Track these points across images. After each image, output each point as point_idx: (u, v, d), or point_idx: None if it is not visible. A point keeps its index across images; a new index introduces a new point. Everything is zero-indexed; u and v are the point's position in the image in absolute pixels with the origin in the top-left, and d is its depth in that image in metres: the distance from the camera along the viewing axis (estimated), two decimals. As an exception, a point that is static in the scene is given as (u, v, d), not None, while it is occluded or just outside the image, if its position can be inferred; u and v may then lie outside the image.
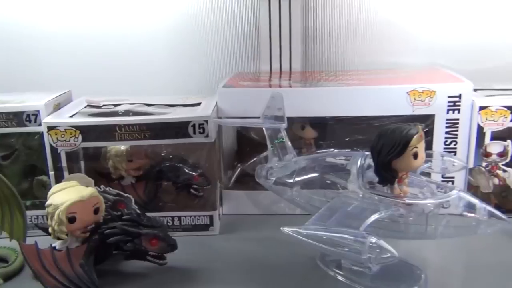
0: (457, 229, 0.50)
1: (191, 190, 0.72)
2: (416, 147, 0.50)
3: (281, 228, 0.48)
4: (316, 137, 0.78)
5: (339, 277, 0.56)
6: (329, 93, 0.71)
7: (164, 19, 0.94)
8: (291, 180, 0.61)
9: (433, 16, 0.90)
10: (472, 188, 0.71)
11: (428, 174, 0.64)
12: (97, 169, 0.72)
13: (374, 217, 0.47)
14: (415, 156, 0.50)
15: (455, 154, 0.70)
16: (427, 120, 0.70)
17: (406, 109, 0.69)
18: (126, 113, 0.71)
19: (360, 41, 0.92)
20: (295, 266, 0.60)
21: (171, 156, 0.73)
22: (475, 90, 0.75)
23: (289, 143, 0.63)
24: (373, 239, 0.43)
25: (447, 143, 0.70)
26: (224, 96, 0.71)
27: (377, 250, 0.43)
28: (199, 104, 0.73)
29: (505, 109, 0.68)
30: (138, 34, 0.95)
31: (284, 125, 0.61)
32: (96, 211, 0.57)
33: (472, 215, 0.49)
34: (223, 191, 0.76)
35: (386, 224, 0.52)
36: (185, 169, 0.71)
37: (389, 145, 0.50)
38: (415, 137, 0.50)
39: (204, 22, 0.94)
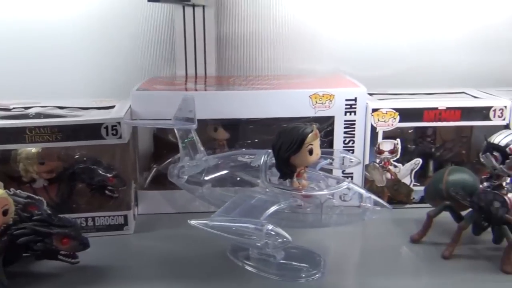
0: (348, 216, 0.57)
1: (106, 191, 0.73)
2: (312, 144, 0.56)
3: (188, 221, 0.52)
4: (229, 138, 0.83)
5: (247, 267, 0.61)
6: (240, 96, 0.75)
7: (78, 23, 0.94)
8: (202, 178, 0.64)
9: (338, 27, 0.98)
10: (368, 183, 0.79)
11: (330, 171, 0.71)
12: (6, 172, 0.71)
13: (273, 208, 0.52)
14: (311, 152, 0.56)
15: (353, 152, 0.77)
16: (328, 121, 0.77)
17: (309, 111, 0.75)
18: (37, 115, 0.71)
19: (271, 49, 0.98)
20: (207, 259, 0.64)
21: (85, 158, 0.74)
22: (371, 94, 0.84)
23: (200, 143, 0.66)
24: (270, 227, 0.48)
25: (345, 142, 0.77)
26: (138, 99, 0.74)
27: (276, 237, 0.48)
28: (113, 107, 0.75)
29: (394, 111, 0.76)
30: (49, 37, 0.94)
31: (194, 126, 0.65)
32: (4, 213, 0.57)
33: (360, 203, 0.55)
34: (139, 191, 0.78)
35: (288, 215, 0.58)
36: (99, 170, 0.72)
37: (287, 142, 0.55)
38: (310, 135, 0.55)
39: (119, 28, 0.95)
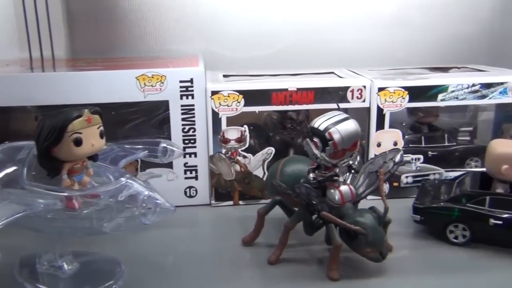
0: (126, 220, 0.46)
1: None
2: (79, 133, 0.45)
3: None
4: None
5: (27, 285, 0.50)
6: (55, 79, 0.64)
7: None
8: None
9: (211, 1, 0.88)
10: (214, 176, 0.69)
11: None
12: None
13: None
14: (78, 142, 0.45)
15: (194, 142, 0.68)
16: (163, 107, 0.67)
17: (137, 95, 0.65)
18: None
19: (131, 27, 0.87)
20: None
21: None
22: (227, 76, 0.74)
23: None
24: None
25: (185, 130, 0.67)
26: None
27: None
28: None
29: (237, 93, 0.66)
30: None
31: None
32: None
33: (138, 204, 0.45)
34: None
35: (66, 222, 0.47)
36: None
37: (46, 130, 0.44)
38: (75, 121, 0.45)
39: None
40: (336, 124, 0.50)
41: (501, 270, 0.53)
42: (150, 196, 0.45)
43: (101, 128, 0.48)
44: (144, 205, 0.45)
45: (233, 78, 0.72)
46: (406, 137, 0.74)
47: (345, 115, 0.51)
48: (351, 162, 0.53)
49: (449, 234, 0.58)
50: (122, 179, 0.46)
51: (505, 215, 0.55)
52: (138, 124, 0.71)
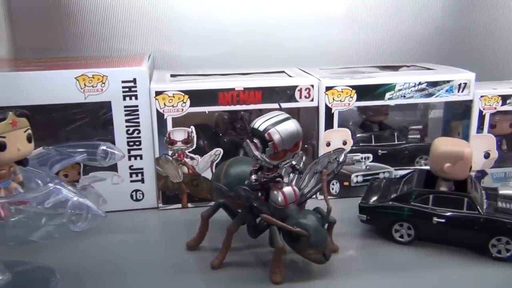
0: (57, 228, 0.44)
1: None
2: (3, 137, 0.43)
3: None
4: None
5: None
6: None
7: None
8: None
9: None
10: (161, 179, 0.67)
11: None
12: None
13: None
14: (1, 147, 0.43)
15: (140, 144, 0.66)
16: (105, 108, 0.65)
17: (77, 96, 0.62)
18: None
19: (77, 25, 0.84)
20: None
21: None
22: (175, 75, 0.72)
23: None
24: None
25: (129, 132, 0.65)
26: None
27: None
28: None
29: (182, 93, 0.64)
30: None
31: None
32: None
33: (66, 210, 0.43)
34: None
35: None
36: None
37: (-36, 136, 0.42)
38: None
39: None
40: (275, 124, 0.49)
41: (444, 268, 0.53)
42: (79, 202, 0.43)
43: (29, 131, 0.46)
44: (72, 211, 0.43)
45: (180, 78, 0.71)
46: (358, 135, 0.74)
47: (285, 115, 0.50)
48: (294, 163, 0.53)
49: (394, 233, 0.58)
50: (50, 184, 0.44)
51: (448, 213, 0.55)
52: (81, 126, 0.68)
